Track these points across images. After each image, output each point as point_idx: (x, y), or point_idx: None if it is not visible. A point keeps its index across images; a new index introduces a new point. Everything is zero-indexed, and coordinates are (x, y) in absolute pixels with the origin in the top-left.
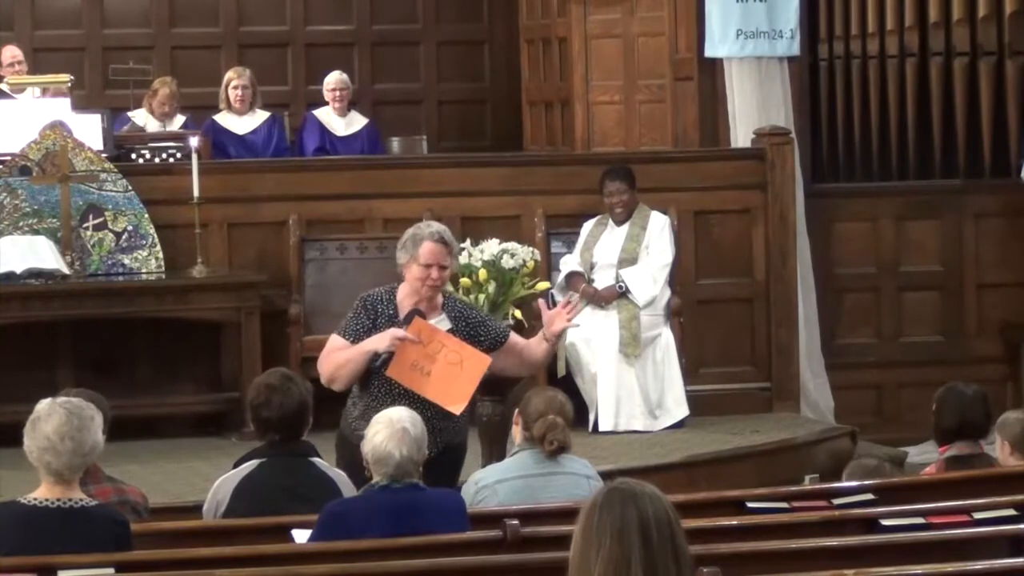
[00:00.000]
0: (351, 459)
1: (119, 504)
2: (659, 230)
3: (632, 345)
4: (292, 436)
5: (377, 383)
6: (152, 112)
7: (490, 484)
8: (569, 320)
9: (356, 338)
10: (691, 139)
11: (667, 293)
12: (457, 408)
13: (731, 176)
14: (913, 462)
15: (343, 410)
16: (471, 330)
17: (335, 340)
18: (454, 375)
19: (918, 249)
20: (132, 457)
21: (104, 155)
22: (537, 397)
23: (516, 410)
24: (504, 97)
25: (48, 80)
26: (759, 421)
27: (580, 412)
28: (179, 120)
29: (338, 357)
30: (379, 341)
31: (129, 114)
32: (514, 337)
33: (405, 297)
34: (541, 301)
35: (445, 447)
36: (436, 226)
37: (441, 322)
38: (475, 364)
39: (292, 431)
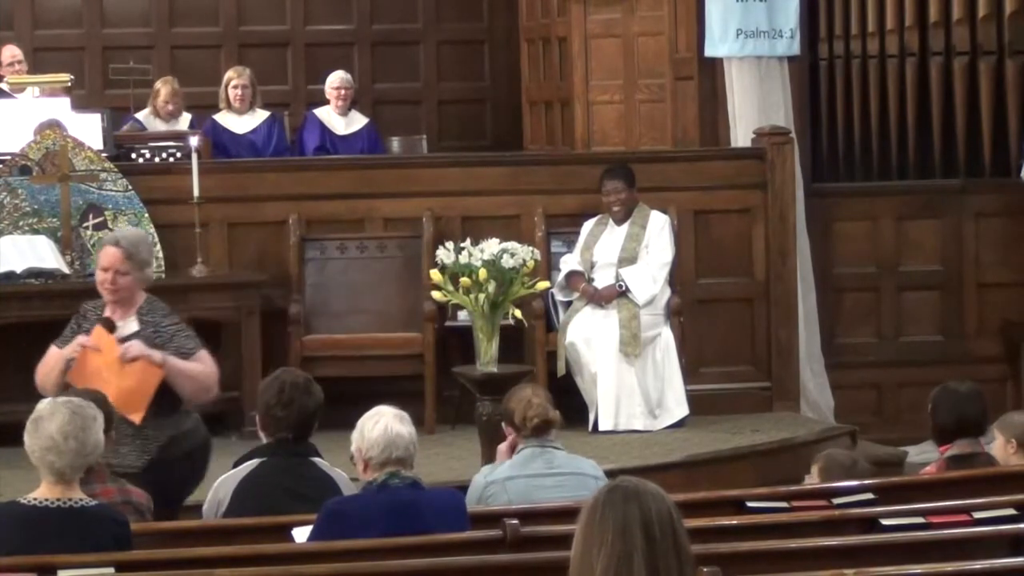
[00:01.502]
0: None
1: (122, 504)
2: (659, 229)
3: (632, 344)
4: (301, 437)
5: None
6: (157, 113)
7: (500, 480)
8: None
9: (64, 345)
10: (691, 139)
11: (667, 292)
12: (135, 418)
13: (731, 176)
14: (913, 462)
15: None
16: (158, 338)
17: (51, 349)
18: (131, 386)
19: (918, 249)
20: None
21: (104, 155)
22: (510, 401)
23: (503, 424)
24: (504, 97)
25: (48, 80)
26: (759, 421)
27: (580, 412)
28: (186, 118)
29: (45, 364)
30: (70, 348)
31: (138, 115)
32: (198, 360)
33: (108, 304)
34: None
35: (161, 457)
36: (121, 232)
37: (130, 323)
38: (148, 376)
39: (304, 432)
